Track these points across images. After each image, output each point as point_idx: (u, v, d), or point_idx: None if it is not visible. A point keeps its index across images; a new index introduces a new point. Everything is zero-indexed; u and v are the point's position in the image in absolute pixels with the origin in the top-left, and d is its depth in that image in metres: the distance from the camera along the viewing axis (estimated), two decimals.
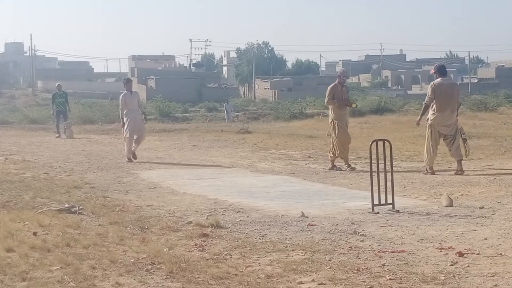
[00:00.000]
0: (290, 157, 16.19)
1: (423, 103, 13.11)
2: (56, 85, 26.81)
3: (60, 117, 25.14)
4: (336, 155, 13.73)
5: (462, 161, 12.53)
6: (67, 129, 24.35)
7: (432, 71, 13.13)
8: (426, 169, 12.51)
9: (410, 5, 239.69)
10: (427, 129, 12.74)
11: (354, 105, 14.76)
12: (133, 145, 15.94)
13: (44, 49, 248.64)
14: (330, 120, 14.07)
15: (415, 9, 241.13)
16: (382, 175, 8.82)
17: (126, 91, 16.48)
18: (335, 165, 13.61)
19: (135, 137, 16.03)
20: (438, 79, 12.69)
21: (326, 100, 14.20)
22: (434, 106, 12.55)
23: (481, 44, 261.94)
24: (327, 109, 14.54)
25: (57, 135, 24.22)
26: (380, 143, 9.01)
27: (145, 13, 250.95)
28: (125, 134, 16.07)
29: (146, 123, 17.32)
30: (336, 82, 14.15)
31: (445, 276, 5.61)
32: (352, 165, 13.63)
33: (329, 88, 14.06)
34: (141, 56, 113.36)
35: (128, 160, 15.49)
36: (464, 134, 12.89)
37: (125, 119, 16.15)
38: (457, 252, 6.32)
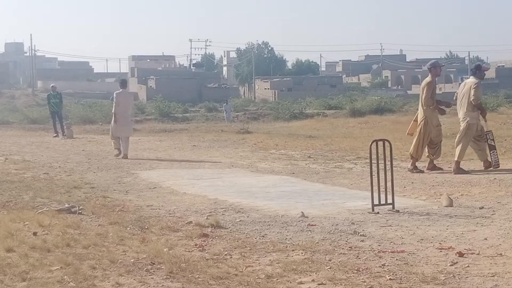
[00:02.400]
0: (290, 157, 16.19)
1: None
2: (51, 86, 26.89)
3: (55, 117, 25.28)
4: (410, 153, 12.93)
5: (462, 162, 12.58)
6: (67, 129, 24.44)
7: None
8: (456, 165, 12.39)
9: (410, 5, 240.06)
10: (464, 125, 12.62)
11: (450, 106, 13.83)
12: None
13: (44, 49, 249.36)
14: (422, 117, 12.93)
15: (415, 9, 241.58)
16: (382, 175, 8.83)
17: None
18: (435, 165, 12.86)
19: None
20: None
21: (424, 100, 12.86)
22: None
23: (481, 44, 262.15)
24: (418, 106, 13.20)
25: (54, 135, 24.40)
26: (380, 143, 9.01)
27: (145, 13, 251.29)
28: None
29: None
30: (429, 76, 13.08)
31: (445, 276, 5.61)
32: (420, 168, 12.81)
33: (426, 85, 12.92)
34: (141, 56, 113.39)
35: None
36: (491, 139, 12.81)
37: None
38: (457, 252, 6.32)
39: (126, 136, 16.92)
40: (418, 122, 13.05)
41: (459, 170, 12.34)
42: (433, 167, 12.91)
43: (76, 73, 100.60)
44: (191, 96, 71.07)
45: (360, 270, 5.82)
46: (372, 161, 8.86)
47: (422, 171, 12.69)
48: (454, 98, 13.13)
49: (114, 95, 17.51)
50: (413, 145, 12.97)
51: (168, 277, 5.70)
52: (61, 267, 5.92)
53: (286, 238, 7.18)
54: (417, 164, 12.90)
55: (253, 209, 9.05)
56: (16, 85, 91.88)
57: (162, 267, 5.95)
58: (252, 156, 16.54)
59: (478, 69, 12.96)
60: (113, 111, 17.40)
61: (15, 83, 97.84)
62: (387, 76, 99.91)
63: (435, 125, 13.01)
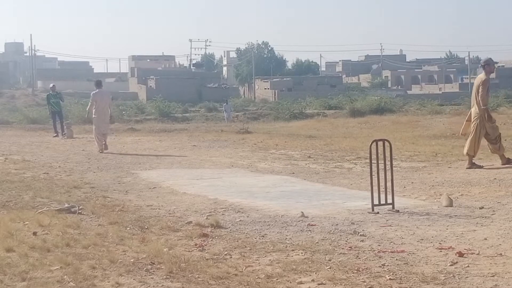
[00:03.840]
0: (290, 157, 16.18)
1: None
2: (51, 86, 26.86)
3: (55, 117, 25.28)
4: (466, 152, 12.75)
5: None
6: (67, 129, 24.45)
7: None
8: None
9: (410, 5, 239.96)
10: None
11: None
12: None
13: (44, 49, 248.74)
14: (475, 115, 12.68)
15: (415, 9, 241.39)
16: (382, 175, 8.83)
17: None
18: (509, 159, 12.69)
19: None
20: None
21: (481, 98, 12.51)
22: None
23: (481, 44, 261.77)
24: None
25: (54, 135, 24.40)
26: (380, 143, 9.01)
27: (145, 13, 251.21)
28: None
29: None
30: (483, 73, 12.73)
31: (445, 276, 5.61)
32: (478, 164, 12.71)
33: (482, 83, 12.54)
34: (141, 56, 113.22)
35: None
36: None
37: None
38: (457, 252, 6.32)
39: (105, 133, 18.45)
40: (472, 121, 12.84)
41: None
42: (507, 161, 12.71)
43: (76, 73, 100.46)
44: (191, 96, 71.09)
45: (360, 270, 5.82)
46: (372, 161, 8.86)
47: (481, 167, 12.64)
48: None
49: (91, 95, 18.82)
50: (467, 143, 12.82)
51: (168, 277, 5.70)
52: (61, 267, 5.93)
53: (286, 238, 7.18)
54: (474, 160, 12.81)
55: (253, 209, 9.05)
56: (16, 85, 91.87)
57: (162, 267, 5.95)
58: (252, 156, 16.53)
59: None
60: (87, 109, 19.22)
61: (15, 83, 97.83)
62: (387, 76, 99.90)
63: (492, 122, 12.82)
